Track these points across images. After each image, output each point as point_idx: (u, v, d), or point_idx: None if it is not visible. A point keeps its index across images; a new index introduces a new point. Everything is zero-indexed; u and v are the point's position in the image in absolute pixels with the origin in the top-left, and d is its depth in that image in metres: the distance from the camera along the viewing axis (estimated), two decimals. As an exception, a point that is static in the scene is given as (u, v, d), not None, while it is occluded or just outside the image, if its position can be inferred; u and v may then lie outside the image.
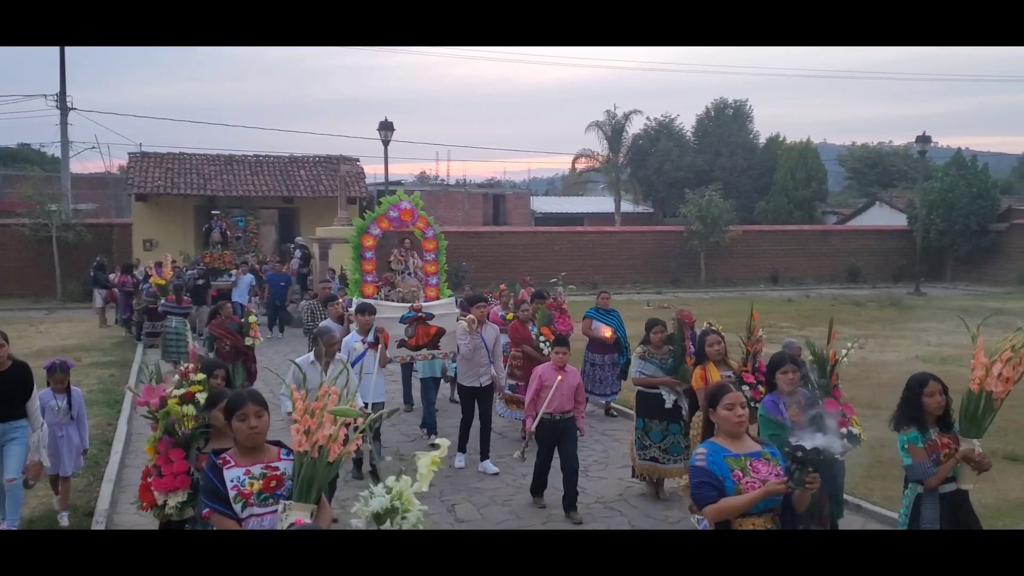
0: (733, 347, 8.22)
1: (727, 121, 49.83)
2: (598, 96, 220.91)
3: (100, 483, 8.75)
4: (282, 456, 4.20)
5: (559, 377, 7.91)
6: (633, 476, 8.88)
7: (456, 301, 11.63)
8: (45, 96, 33.53)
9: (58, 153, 37.01)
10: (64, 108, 33.45)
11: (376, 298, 10.77)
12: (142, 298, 18.65)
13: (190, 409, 5.40)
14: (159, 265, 18.99)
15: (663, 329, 8.58)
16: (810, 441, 4.05)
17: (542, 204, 55.59)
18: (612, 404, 12.45)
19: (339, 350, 8.49)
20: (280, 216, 32.85)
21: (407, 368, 12.22)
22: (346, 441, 4.09)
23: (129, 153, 32.47)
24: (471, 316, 9.74)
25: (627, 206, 47.99)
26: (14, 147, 59.21)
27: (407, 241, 12.00)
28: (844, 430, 5.93)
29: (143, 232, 29.94)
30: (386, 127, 27.11)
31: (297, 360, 7.62)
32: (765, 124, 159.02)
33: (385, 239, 11.52)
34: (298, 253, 24.69)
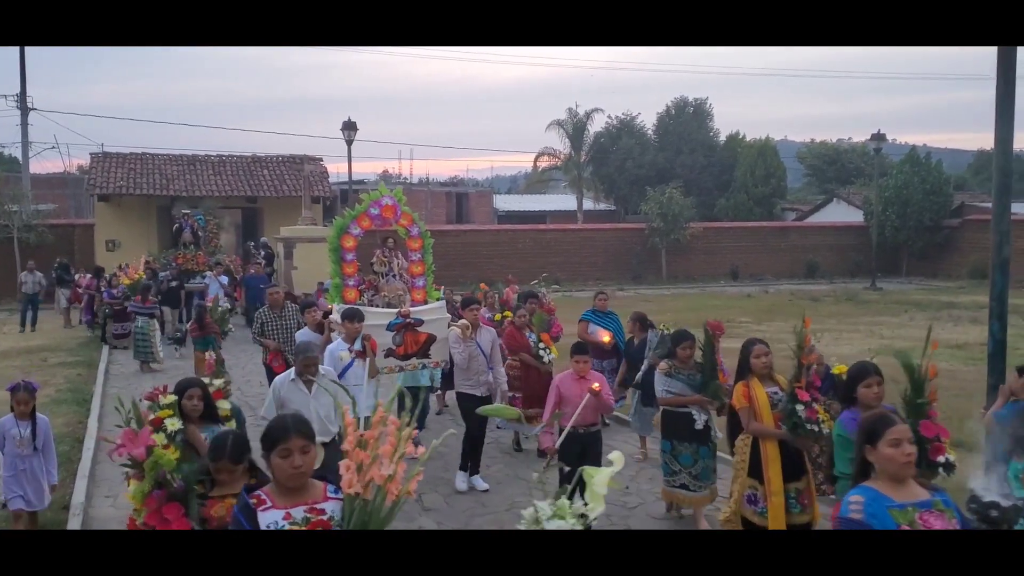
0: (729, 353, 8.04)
1: (687, 119, 50.39)
2: (560, 95, 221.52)
3: (74, 479, 8.89)
4: (329, 495, 3.50)
5: (591, 389, 6.86)
6: (669, 511, 7.97)
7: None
8: (5, 97, 33.29)
9: (14, 152, 36.67)
10: (24, 108, 33.20)
11: (359, 303, 9.87)
12: (104, 300, 18.71)
13: (172, 454, 4.67)
14: (126, 266, 19.11)
15: (692, 344, 7.62)
16: (997, 493, 3.46)
17: (505, 202, 55.90)
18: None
19: (321, 362, 7.68)
20: (244, 216, 32.86)
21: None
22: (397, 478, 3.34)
23: (91, 153, 32.30)
24: (464, 321, 8.91)
25: (589, 204, 48.45)
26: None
27: (390, 240, 11.09)
28: (941, 458, 5.26)
29: (105, 232, 29.82)
30: (349, 127, 27.26)
31: (276, 381, 7.13)
32: (725, 122, 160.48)
33: (366, 239, 10.61)
34: (262, 253, 24.74)
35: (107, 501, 8.43)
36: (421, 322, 9.46)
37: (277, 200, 31.01)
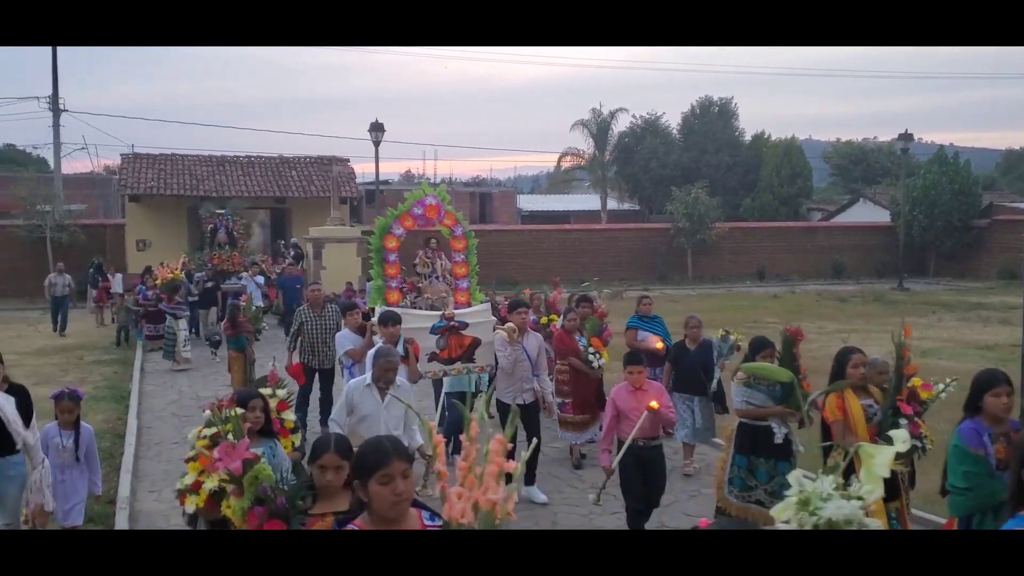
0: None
1: (712, 119, 50.30)
2: (581, 93, 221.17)
3: (117, 474, 9.09)
4: (426, 522, 3.27)
5: (650, 407, 6.64)
6: (720, 515, 7.52)
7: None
8: (38, 98, 33.77)
9: (44, 153, 37.15)
10: (56, 110, 33.66)
11: (401, 305, 9.67)
12: (139, 301, 18.54)
13: (266, 470, 4.30)
14: (161, 266, 19.27)
15: (772, 353, 7.20)
16: None
17: (528, 202, 55.99)
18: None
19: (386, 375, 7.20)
20: (272, 216, 33.15)
21: (439, 385, 9.87)
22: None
23: (122, 154, 32.64)
24: (511, 324, 8.54)
25: (612, 204, 48.46)
26: (0, 148, 59.17)
27: (433, 241, 10.86)
28: None
29: (136, 232, 30.17)
30: (377, 128, 27.48)
31: (350, 385, 6.78)
32: (750, 121, 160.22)
33: (409, 239, 10.35)
34: (291, 252, 24.98)
35: (151, 496, 8.63)
36: (466, 325, 9.06)
37: (305, 200, 31.27)
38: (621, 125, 48.68)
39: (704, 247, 36.05)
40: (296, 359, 10.71)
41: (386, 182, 45.73)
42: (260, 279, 21.17)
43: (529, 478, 8.32)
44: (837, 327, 19.96)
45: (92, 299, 23.57)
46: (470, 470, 2.73)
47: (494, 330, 9.00)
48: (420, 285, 10.47)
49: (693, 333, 9.51)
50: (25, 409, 5.96)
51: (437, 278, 10.55)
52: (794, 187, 45.39)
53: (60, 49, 34.20)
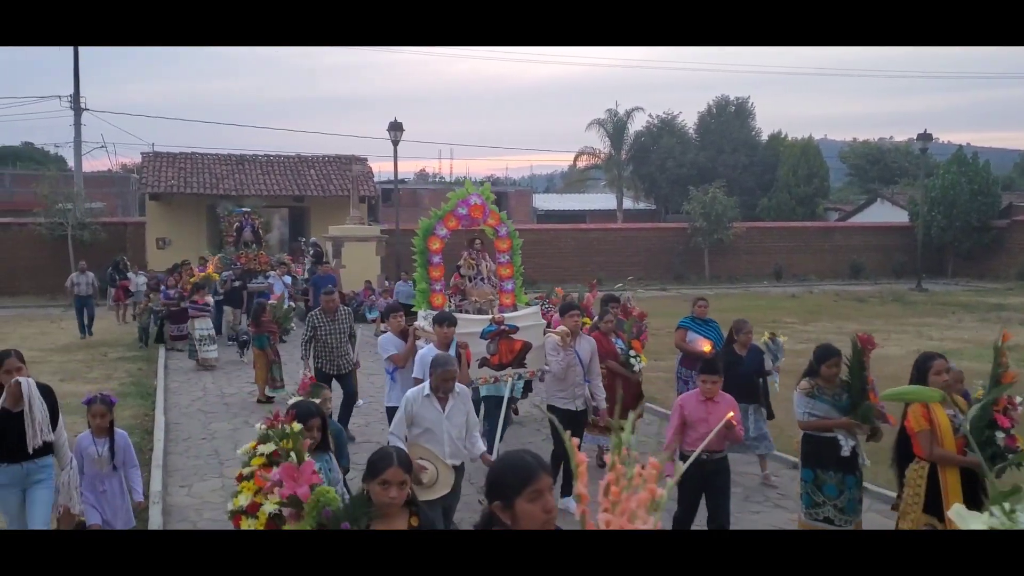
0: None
1: (729, 118, 50.18)
2: (597, 93, 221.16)
3: (148, 468, 9.20)
4: None
5: (728, 420, 6.15)
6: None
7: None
8: (59, 97, 34.04)
9: (63, 152, 37.43)
10: (78, 109, 33.92)
11: (446, 309, 9.26)
12: (162, 301, 18.26)
13: (330, 493, 4.01)
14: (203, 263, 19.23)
15: (838, 362, 6.67)
16: None
17: (544, 202, 56.01)
18: None
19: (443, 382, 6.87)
20: (291, 215, 33.35)
21: (475, 391, 8.84)
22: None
23: (142, 153, 32.98)
24: (563, 328, 8.27)
25: (628, 203, 48.46)
26: (18, 146, 59.68)
27: (477, 241, 10.44)
28: None
29: (156, 231, 30.43)
30: (396, 127, 27.53)
31: (408, 395, 6.38)
32: (767, 121, 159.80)
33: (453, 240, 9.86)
34: (311, 251, 25.12)
35: (182, 491, 8.75)
36: (516, 329, 8.70)
37: (324, 199, 31.44)
38: (637, 124, 48.71)
39: (721, 247, 36.01)
40: (311, 365, 10.34)
41: (402, 181, 45.80)
42: (288, 279, 20.71)
43: (565, 488, 7.88)
44: (856, 327, 19.88)
45: (111, 297, 23.76)
46: (620, 496, 2.39)
47: (544, 334, 8.72)
48: (465, 287, 9.99)
49: (744, 339, 9.06)
50: (51, 409, 5.82)
51: (482, 280, 10.10)
52: (811, 187, 45.25)
53: (81, 49, 34.44)
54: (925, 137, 33.24)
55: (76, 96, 33.94)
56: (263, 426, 4.64)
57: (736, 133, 49.21)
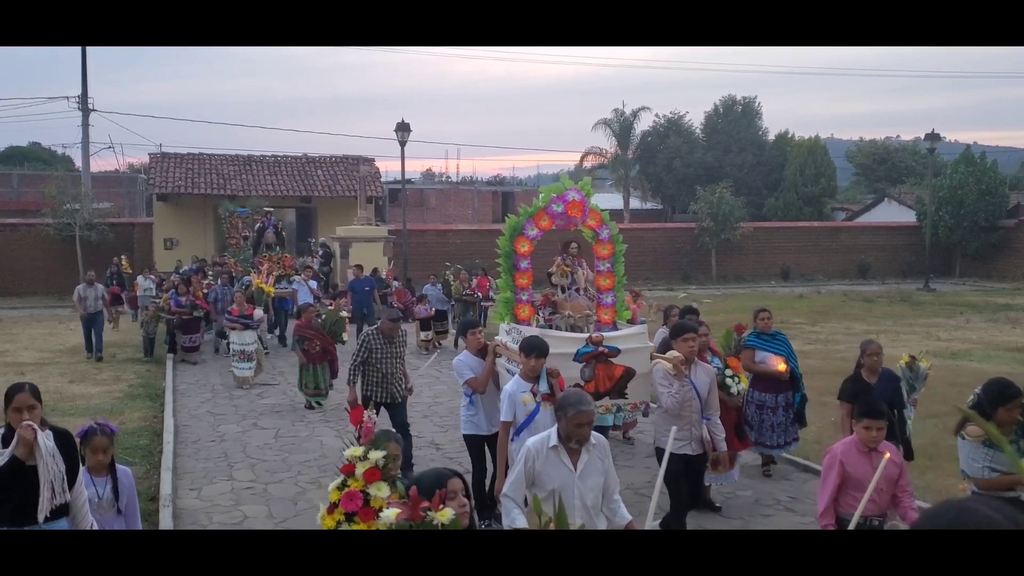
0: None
1: (736, 118, 50.10)
2: (603, 92, 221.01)
3: (158, 471, 9.22)
4: None
5: (887, 457, 5.04)
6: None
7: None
8: (68, 98, 34.12)
9: (70, 152, 37.47)
10: (86, 109, 33.99)
11: (532, 324, 7.91)
12: (172, 308, 16.55)
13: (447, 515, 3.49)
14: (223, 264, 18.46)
15: (1020, 403, 5.35)
16: None
17: (552, 201, 55.90)
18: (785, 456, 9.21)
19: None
20: (298, 215, 33.42)
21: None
22: None
23: (150, 153, 33.01)
24: (676, 354, 6.70)
25: (635, 203, 48.42)
26: (26, 146, 59.85)
27: (574, 245, 8.67)
28: None
29: (164, 231, 30.51)
30: (403, 128, 27.53)
31: (530, 444, 4.92)
32: (774, 120, 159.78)
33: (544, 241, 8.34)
34: (320, 252, 25.14)
35: (192, 493, 8.74)
36: (617, 351, 7.36)
37: (331, 200, 31.49)
38: (644, 124, 48.62)
39: (728, 247, 35.97)
40: (357, 393, 9.25)
41: (409, 181, 45.83)
42: (313, 284, 19.41)
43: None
44: (865, 328, 19.86)
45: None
46: None
47: (651, 359, 7.21)
48: (556, 299, 8.42)
49: (873, 362, 7.33)
50: (70, 462, 4.72)
51: (578, 291, 8.45)
52: (818, 186, 45.15)
53: (89, 49, 34.51)
54: (933, 137, 33.16)
55: (84, 96, 34.01)
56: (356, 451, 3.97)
57: (743, 133, 49.13)
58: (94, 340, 16.79)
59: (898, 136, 67.85)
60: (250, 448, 10.45)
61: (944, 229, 36.18)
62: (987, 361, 15.49)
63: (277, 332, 18.94)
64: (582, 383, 7.11)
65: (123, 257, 25.66)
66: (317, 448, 10.46)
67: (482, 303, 18.41)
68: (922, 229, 35.84)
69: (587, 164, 50.51)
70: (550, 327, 7.64)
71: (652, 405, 7.36)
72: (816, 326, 20.71)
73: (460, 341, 9.37)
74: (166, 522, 7.69)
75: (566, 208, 7.97)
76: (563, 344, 7.31)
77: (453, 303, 18.92)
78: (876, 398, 6.53)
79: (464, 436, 7.76)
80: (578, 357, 7.29)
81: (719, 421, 6.99)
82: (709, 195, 35.67)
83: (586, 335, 7.56)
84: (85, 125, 34.16)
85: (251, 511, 8.21)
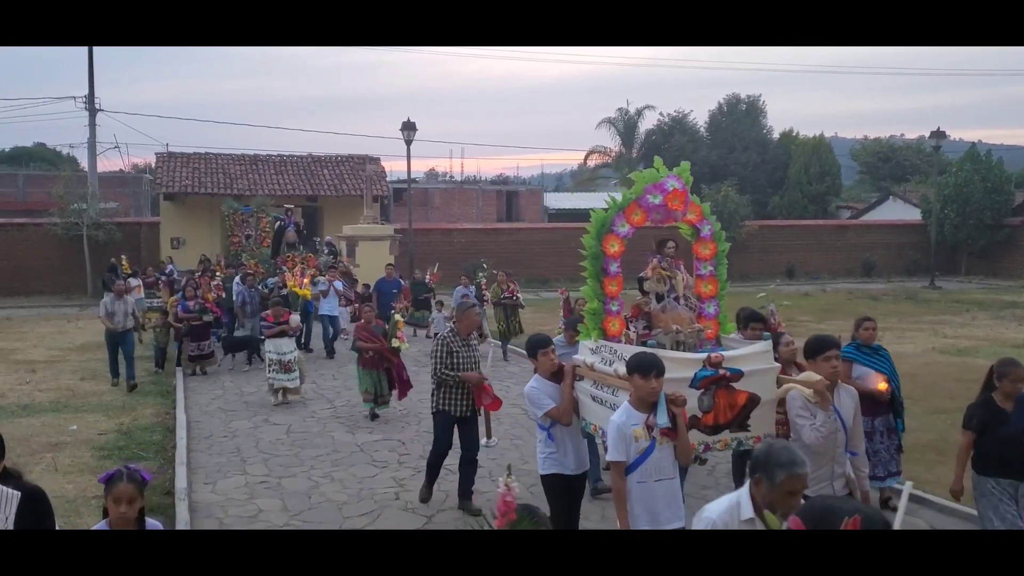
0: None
1: (740, 116, 50.13)
2: (607, 91, 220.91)
3: (172, 466, 9.29)
4: None
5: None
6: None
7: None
8: (74, 98, 34.20)
9: (76, 152, 37.53)
10: (92, 109, 34.07)
11: (622, 340, 6.42)
12: (179, 314, 15.39)
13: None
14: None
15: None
16: None
17: (555, 200, 55.89)
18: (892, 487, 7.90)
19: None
20: (304, 214, 33.49)
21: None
22: None
23: (156, 153, 33.17)
24: (815, 375, 5.63)
25: (640, 202, 48.39)
26: (32, 147, 59.99)
27: (671, 244, 7.15)
28: None
29: (170, 231, 30.60)
30: (409, 127, 27.59)
31: (713, 515, 3.90)
32: (778, 118, 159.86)
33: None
34: (327, 251, 25.19)
35: (207, 488, 8.81)
36: (739, 375, 5.96)
37: (337, 199, 31.56)
38: (648, 123, 48.74)
39: (734, 245, 35.65)
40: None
41: (413, 180, 45.89)
42: (339, 284, 18.17)
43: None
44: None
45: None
46: None
47: (778, 383, 6.07)
48: (651, 309, 6.88)
49: (1010, 388, 6.14)
50: (38, 523, 4.06)
51: (677, 299, 6.92)
52: (823, 185, 45.16)
53: (96, 49, 34.56)
54: (938, 134, 33.13)
55: (91, 96, 34.08)
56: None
57: (747, 131, 49.15)
58: (123, 363, 14.13)
59: (903, 134, 68.05)
60: (263, 443, 10.51)
61: (950, 227, 36.16)
62: (994, 357, 15.40)
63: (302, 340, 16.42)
64: (699, 414, 5.85)
65: (123, 257, 25.64)
66: (329, 443, 10.52)
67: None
68: (927, 227, 35.81)
69: (591, 163, 50.63)
70: (644, 344, 6.04)
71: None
72: (822, 323, 20.72)
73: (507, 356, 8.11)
74: (182, 515, 7.76)
75: (665, 199, 6.36)
76: (677, 367, 5.76)
77: (484, 306, 17.06)
78: (1013, 428, 6.03)
79: (542, 477, 6.41)
80: (695, 382, 5.83)
81: (865, 456, 5.95)
82: (714, 194, 35.67)
83: (701, 355, 6.04)
84: (92, 125, 34.21)
85: (265, 504, 8.28)
